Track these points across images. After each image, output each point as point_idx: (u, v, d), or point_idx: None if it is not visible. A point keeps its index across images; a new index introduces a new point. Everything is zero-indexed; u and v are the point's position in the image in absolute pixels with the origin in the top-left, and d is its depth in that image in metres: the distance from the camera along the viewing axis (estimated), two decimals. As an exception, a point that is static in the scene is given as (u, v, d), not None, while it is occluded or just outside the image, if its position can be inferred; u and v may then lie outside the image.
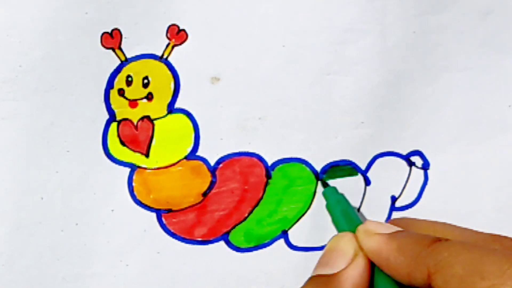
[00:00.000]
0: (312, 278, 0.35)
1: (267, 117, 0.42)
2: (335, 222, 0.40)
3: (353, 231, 0.37)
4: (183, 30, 0.40)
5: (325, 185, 0.42)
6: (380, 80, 0.42)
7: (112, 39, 0.39)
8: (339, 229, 0.39)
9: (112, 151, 0.40)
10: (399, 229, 0.34)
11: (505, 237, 0.34)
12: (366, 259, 0.34)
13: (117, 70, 0.40)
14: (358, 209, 0.43)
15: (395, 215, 0.44)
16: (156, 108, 0.41)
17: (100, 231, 0.41)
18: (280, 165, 0.42)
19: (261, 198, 0.42)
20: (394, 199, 0.44)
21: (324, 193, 0.42)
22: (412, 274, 0.32)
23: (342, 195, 0.42)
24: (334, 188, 0.42)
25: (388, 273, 0.33)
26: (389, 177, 0.44)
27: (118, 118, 0.40)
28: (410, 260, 0.32)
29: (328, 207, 0.41)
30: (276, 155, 0.42)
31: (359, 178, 0.43)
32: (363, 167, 0.43)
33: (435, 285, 0.30)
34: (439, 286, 0.30)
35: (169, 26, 0.40)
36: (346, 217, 0.39)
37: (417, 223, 0.36)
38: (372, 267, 0.35)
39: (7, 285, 0.40)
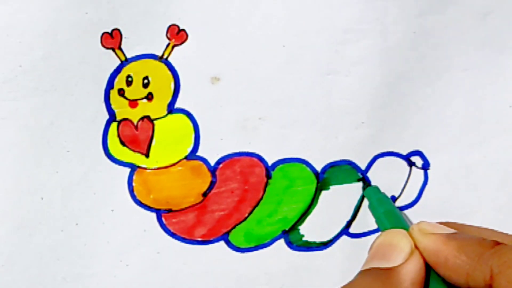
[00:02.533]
0: (367, 271, 0.35)
1: (267, 117, 0.42)
2: (379, 222, 0.39)
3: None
4: (183, 30, 0.40)
5: (366, 184, 0.42)
6: (381, 80, 0.42)
7: (112, 39, 0.39)
8: (384, 229, 0.39)
9: (112, 151, 0.40)
10: (455, 230, 0.34)
11: None
12: (422, 258, 0.34)
13: (117, 70, 0.40)
14: (354, 218, 0.43)
15: (395, 215, 0.44)
16: (156, 108, 0.40)
17: (100, 231, 0.41)
18: (281, 165, 0.42)
19: (261, 198, 0.42)
20: (394, 199, 0.44)
21: (366, 193, 0.41)
22: (472, 274, 0.32)
23: (384, 194, 0.41)
24: (376, 188, 0.42)
25: (444, 273, 0.33)
26: (389, 177, 0.44)
27: (118, 118, 0.40)
28: (471, 261, 0.32)
29: (370, 207, 0.41)
30: (277, 155, 0.42)
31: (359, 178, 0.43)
32: (363, 167, 0.43)
33: (497, 286, 0.30)
34: (502, 286, 0.30)
35: (169, 26, 0.40)
36: (391, 217, 0.38)
37: (466, 227, 0.36)
38: (427, 268, 0.34)
39: (7, 285, 0.40)
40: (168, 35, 0.40)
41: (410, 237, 0.35)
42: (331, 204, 0.43)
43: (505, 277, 0.30)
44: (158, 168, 0.41)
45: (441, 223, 0.36)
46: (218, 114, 0.41)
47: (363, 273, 0.34)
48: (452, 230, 0.34)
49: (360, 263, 0.43)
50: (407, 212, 0.44)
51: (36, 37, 0.38)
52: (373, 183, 0.43)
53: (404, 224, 0.36)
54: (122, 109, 0.40)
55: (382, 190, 0.43)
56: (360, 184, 0.43)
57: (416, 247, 0.34)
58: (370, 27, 0.41)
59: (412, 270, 0.33)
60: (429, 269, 0.34)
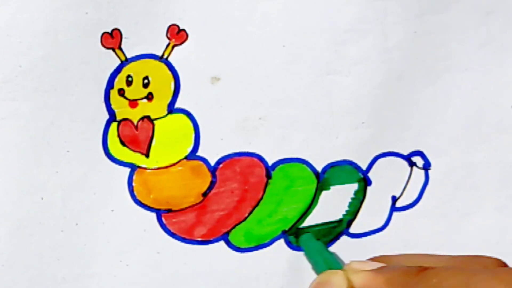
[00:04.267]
0: None
1: (268, 117, 0.42)
2: (316, 267, 0.40)
3: None
4: (183, 30, 0.40)
5: (300, 233, 0.42)
6: (381, 80, 0.42)
7: (112, 39, 0.39)
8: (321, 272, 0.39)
9: (112, 151, 0.40)
10: (383, 264, 0.35)
11: (481, 256, 0.35)
12: None
13: (117, 70, 0.40)
14: (354, 218, 0.43)
15: (396, 215, 0.44)
16: (156, 108, 0.40)
17: (100, 231, 0.41)
18: (281, 165, 0.42)
19: (261, 198, 0.42)
20: (394, 199, 0.44)
21: (301, 241, 0.42)
22: None
23: (319, 241, 0.42)
24: (310, 235, 0.42)
25: None
26: (390, 177, 0.44)
27: (118, 118, 0.40)
28: None
29: (307, 254, 0.41)
30: (277, 155, 0.42)
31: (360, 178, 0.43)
32: (364, 167, 0.43)
33: None
34: None
35: (169, 26, 0.40)
36: (326, 261, 0.39)
37: (393, 258, 0.37)
38: None
39: (7, 285, 0.40)
40: (168, 35, 0.40)
41: (345, 276, 0.35)
42: (331, 204, 0.43)
43: None
44: (158, 168, 0.41)
45: (371, 258, 0.36)
46: (218, 114, 0.41)
47: None
48: (380, 264, 0.35)
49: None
50: (407, 212, 0.44)
51: (36, 37, 0.38)
52: (374, 183, 0.43)
53: (339, 267, 0.37)
54: (122, 109, 0.40)
55: (382, 191, 0.43)
56: (362, 184, 0.43)
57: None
58: (371, 27, 0.41)
59: None
60: None
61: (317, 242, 0.42)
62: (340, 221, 0.43)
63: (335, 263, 0.38)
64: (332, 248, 0.43)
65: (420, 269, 0.32)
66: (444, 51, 0.43)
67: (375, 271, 0.34)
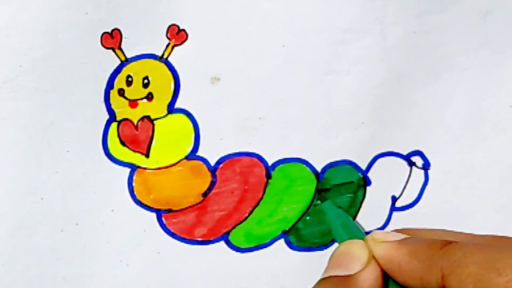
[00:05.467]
0: (325, 279, 0.35)
1: (267, 117, 0.42)
2: (336, 235, 0.40)
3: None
4: (183, 30, 0.40)
5: (322, 199, 0.42)
6: (380, 80, 0.42)
7: (112, 39, 0.39)
8: (342, 241, 0.39)
9: (112, 151, 0.40)
10: (407, 236, 0.35)
11: (506, 237, 0.34)
12: (379, 266, 0.34)
13: (117, 70, 0.40)
14: (354, 218, 0.43)
15: (396, 215, 0.44)
16: (156, 108, 0.40)
17: (100, 231, 0.41)
18: (281, 165, 0.42)
19: (261, 198, 0.42)
20: (394, 199, 0.44)
21: (322, 207, 0.42)
22: (425, 277, 0.32)
23: (340, 208, 0.42)
24: (331, 202, 0.42)
25: (400, 279, 0.33)
26: (390, 177, 0.44)
27: (118, 118, 0.40)
28: (422, 264, 0.32)
29: (328, 220, 0.41)
30: (276, 155, 0.42)
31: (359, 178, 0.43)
32: (363, 167, 0.43)
33: (450, 287, 0.31)
34: (454, 287, 0.30)
35: (169, 26, 0.40)
36: (348, 229, 0.39)
37: (418, 231, 0.37)
38: (385, 277, 0.35)
39: (7, 285, 0.40)
40: (168, 35, 0.40)
41: (367, 247, 0.35)
42: (331, 204, 0.43)
43: (456, 277, 0.30)
44: (158, 168, 0.41)
45: (395, 230, 0.36)
46: (218, 114, 0.41)
47: (322, 281, 0.35)
48: (403, 236, 0.35)
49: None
50: (407, 212, 0.44)
51: (36, 37, 0.38)
52: (373, 183, 0.43)
53: (360, 235, 0.37)
54: (122, 109, 0.40)
55: (382, 190, 0.43)
56: (361, 184, 0.43)
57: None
58: (370, 27, 0.41)
59: (369, 278, 0.34)
60: (387, 278, 0.34)
61: (338, 210, 0.41)
62: None
63: (357, 232, 0.37)
64: (331, 248, 0.43)
65: (445, 243, 0.32)
66: (443, 51, 0.43)
67: (398, 242, 0.34)
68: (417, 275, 0.32)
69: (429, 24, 0.42)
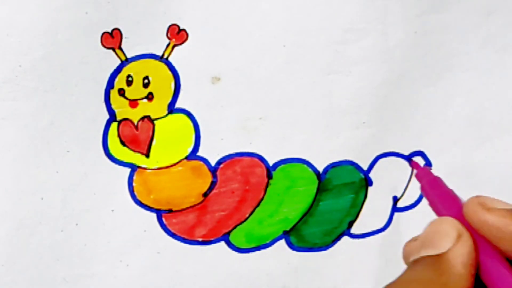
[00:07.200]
0: (417, 260, 0.35)
1: (268, 117, 0.42)
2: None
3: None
4: (184, 30, 0.40)
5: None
6: (382, 80, 0.42)
7: (112, 39, 0.39)
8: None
9: (112, 151, 0.40)
10: None
11: None
12: (472, 239, 0.34)
13: (117, 70, 0.40)
14: (355, 218, 0.43)
15: (397, 215, 0.44)
16: (156, 108, 0.40)
17: (100, 231, 0.41)
18: (282, 166, 0.42)
19: (262, 198, 0.42)
20: (396, 199, 0.44)
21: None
22: None
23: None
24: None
25: (509, 250, 0.33)
26: (391, 178, 0.44)
27: (118, 118, 0.40)
28: None
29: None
30: (277, 155, 0.42)
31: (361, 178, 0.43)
32: (365, 167, 0.43)
33: None
34: None
35: (170, 26, 0.40)
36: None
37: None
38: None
39: (7, 285, 0.40)
40: (168, 35, 0.40)
41: (456, 221, 0.35)
42: (332, 205, 0.43)
43: None
44: (159, 168, 0.41)
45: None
46: (219, 114, 0.41)
47: (413, 263, 0.34)
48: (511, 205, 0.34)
49: (362, 263, 0.43)
50: (409, 213, 0.44)
51: (36, 37, 0.38)
52: (375, 184, 0.43)
53: (458, 207, 0.36)
54: (122, 109, 0.40)
55: (383, 191, 0.43)
56: (363, 184, 0.43)
57: (469, 228, 0.34)
58: (371, 26, 0.41)
59: (462, 253, 0.33)
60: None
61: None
62: (341, 221, 0.43)
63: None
64: (332, 249, 0.43)
65: None
66: (445, 51, 0.43)
67: (510, 211, 0.33)
68: None
69: (431, 24, 0.42)
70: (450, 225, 0.34)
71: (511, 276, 0.33)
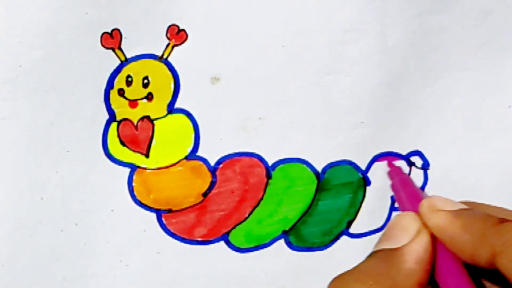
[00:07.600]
0: (374, 253, 0.35)
1: (268, 117, 0.42)
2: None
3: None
4: (183, 30, 0.40)
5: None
6: (380, 80, 0.42)
7: (112, 39, 0.39)
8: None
9: (112, 151, 0.40)
10: (465, 206, 0.34)
11: None
12: (429, 236, 0.34)
13: (117, 70, 0.40)
14: (354, 218, 0.43)
15: (395, 215, 0.44)
16: (156, 108, 0.40)
17: (100, 231, 0.41)
18: (281, 165, 0.42)
19: (262, 198, 0.42)
20: (394, 199, 0.44)
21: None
22: (476, 253, 0.32)
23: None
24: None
25: (451, 250, 0.33)
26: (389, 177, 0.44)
27: (118, 118, 0.40)
28: (474, 239, 0.32)
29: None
30: (277, 155, 0.42)
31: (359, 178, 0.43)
32: (363, 167, 0.43)
33: (500, 265, 0.30)
34: (504, 266, 0.30)
35: (169, 26, 0.40)
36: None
37: (478, 206, 0.36)
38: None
39: (7, 285, 0.40)
40: (168, 35, 0.40)
41: (419, 217, 0.35)
42: (331, 204, 0.43)
43: (507, 256, 0.30)
44: (158, 168, 0.41)
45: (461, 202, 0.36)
46: (218, 114, 0.41)
47: (371, 255, 0.35)
48: (461, 206, 0.34)
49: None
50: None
51: (36, 37, 0.38)
52: (373, 184, 0.43)
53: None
54: (122, 109, 0.40)
55: (381, 191, 0.43)
56: (361, 184, 0.43)
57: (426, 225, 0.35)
58: (370, 27, 0.41)
59: (417, 249, 0.33)
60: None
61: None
62: (340, 221, 0.43)
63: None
64: (331, 248, 0.43)
65: (500, 220, 0.31)
66: (443, 51, 0.43)
67: (454, 213, 0.33)
68: (468, 249, 0.32)
69: (429, 24, 0.42)
70: (411, 220, 0.35)
71: (460, 277, 0.33)
